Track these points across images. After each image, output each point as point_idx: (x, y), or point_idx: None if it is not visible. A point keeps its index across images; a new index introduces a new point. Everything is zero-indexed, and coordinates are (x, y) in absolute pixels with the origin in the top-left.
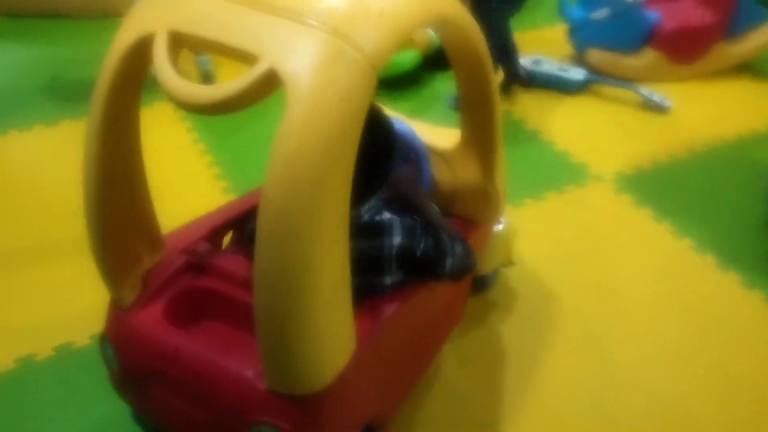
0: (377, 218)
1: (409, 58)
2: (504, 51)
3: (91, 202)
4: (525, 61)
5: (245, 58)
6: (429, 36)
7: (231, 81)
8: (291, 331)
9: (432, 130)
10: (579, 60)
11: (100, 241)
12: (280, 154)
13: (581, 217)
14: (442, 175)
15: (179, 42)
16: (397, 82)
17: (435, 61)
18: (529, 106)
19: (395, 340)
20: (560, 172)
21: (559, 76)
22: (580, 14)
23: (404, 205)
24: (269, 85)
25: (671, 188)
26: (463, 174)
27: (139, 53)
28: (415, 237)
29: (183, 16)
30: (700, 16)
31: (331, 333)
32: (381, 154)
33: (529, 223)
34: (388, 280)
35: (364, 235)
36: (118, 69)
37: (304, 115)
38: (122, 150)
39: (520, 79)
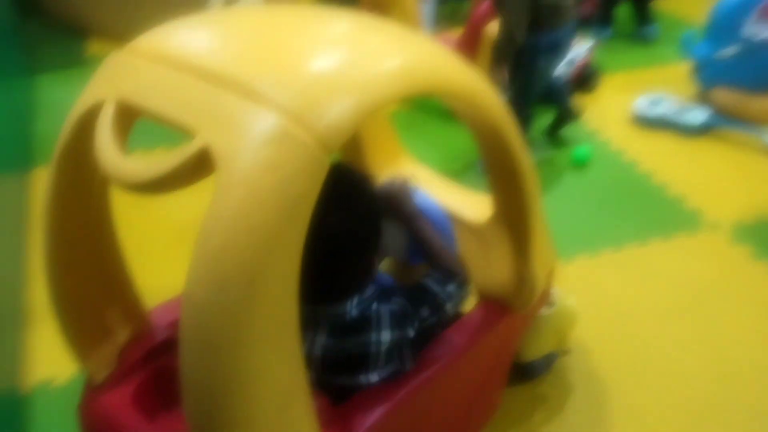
0: (365, 312)
1: None
2: (555, 91)
3: (50, 270)
4: (643, 100)
5: (187, 133)
6: None
7: (163, 158)
8: None
9: (464, 198)
10: (704, 98)
11: (61, 308)
12: (203, 248)
13: (688, 267)
14: (472, 252)
15: (127, 113)
16: None
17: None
18: (643, 147)
19: None
20: (671, 218)
21: (677, 118)
22: (707, 51)
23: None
24: (203, 165)
25: None
26: (497, 252)
27: (93, 121)
28: (406, 322)
29: (133, 86)
30: None
31: None
32: (362, 240)
33: (626, 270)
34: (375, 377)
35: (350, 333)
36: (72, 135)
37: (234, 202)
38: (84, 217)
39: (572, 115)
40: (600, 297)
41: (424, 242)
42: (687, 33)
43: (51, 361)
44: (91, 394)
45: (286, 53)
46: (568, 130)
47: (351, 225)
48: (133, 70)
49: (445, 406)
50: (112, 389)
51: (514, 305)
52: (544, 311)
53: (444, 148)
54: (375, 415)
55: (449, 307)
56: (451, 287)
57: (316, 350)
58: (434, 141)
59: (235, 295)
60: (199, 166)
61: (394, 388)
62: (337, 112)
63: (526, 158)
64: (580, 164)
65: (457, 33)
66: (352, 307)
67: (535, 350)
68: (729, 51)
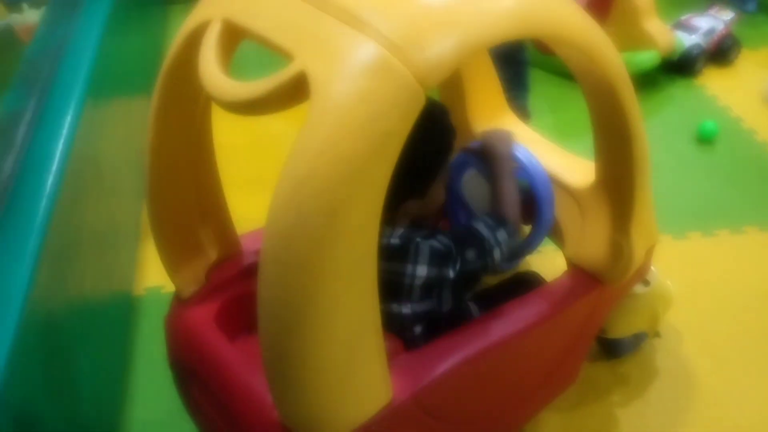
0: (407, 244)
1: (646, 58)
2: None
3: (149, 185)
4: None
5: (287, 56)
6: (673, 38)
7: (261, 80)
8: (295, 373)
9: (567, 161)
10: None
11: (158, 224)
12: (289, 174)
13: None
14: (570, 217)
15: (232, 32)
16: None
17: (678, 66)
18: None
19: (455, 396)
20: None
21: None
22: None
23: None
24: (300, 89)
25: None
26: (594, 220)
27: (200, 39)
28: (447, 263)
29: (240, 6)
30: None
31: (348, 379)
32: (424, 160)
33: (742, 254)
34: (408, 309)
35: (388, 258)
36: (179, 53)
37: (324, 130)
38: (186, 136)
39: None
40: (708, 279)
41: (498, 188)
42: None
43: (162, 271)
44: (178, 307)
45: None
46: (699, 104)
47: (417, 144)
48: None
49: (520, 369)
50: (197, 306)
51: (605, 278)
52: (639, 289)
53: (559, 113)
54: (446, 365)
55: (497, 253)
56: (501, 233)
57: None
58: (550, 104)
59: (316, 223)
60: (296, 90)
61: (471, 342)
62: (439, 47)
63: (640, 123)
64: (706, 140)
65: None
66: (394, 235)
67: (623, 328)
68: None
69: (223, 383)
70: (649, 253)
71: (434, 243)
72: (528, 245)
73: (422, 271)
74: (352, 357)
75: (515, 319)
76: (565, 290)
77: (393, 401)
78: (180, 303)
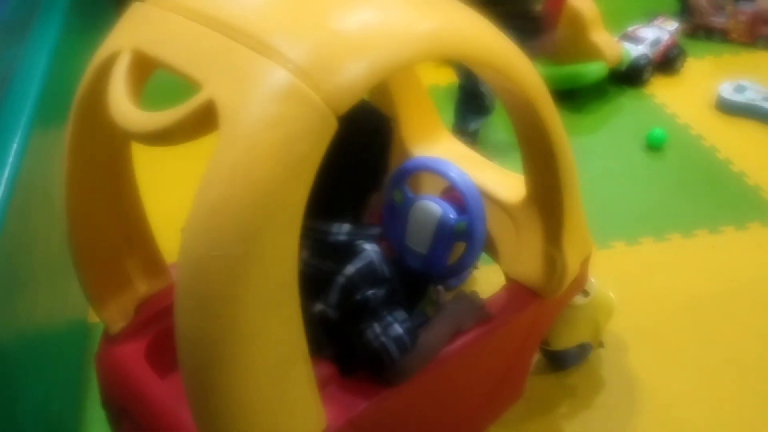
0: (354, 242)
1: (594, 69)
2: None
3: (69, 216)
4: (728, 86)
5: (196, 85)
6: (621, 49)
7: (169, 110)
8: (220, 407)
9: (501, 176)
10: None
11: (80, 258)
12: (202, 201)
13: (760, 259)
14: (504, 232)
15: (142, 62)
16: (580, 94)
17: (626, 76)
18: (724, 133)
19: (394, 419)
20: (746, 207)
21: (762, 106)
22: None
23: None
24: (209, 118)
25: None
26: (528, 234)
27: (110, 70)
28: (369, 281)
29: (149, 36)
30: None
31: (277, 410)
32: (364, 173)
33: (694, 257)
34: (318, 308)
35: (328, 255)
36: (91, 84)
37: (235, 157)
38: (105, 168)
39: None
40: (661, 284)
41: (434, 328)
42: None
43: None
44: (107, 344)
45: (307, 8)
46: (648, 112)
47: (360, 149)
48: (152, 19)
49: (461, 388)
50: (127, 342)
51: (542, 291)
52: (579, 300)
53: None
54: (382, 389)
55: (375, 327)
56: (397, 330)
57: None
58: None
59: (231, 251)
60: (205, 118)
61: None
62: (349, 71)
63: (562, 136)
64: (656, 147)
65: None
66: (340, 231)
67: (566, 340)
68: None
69: (153, 421)
70: (584, 264)
71: (376, 261)
72: (462, 263)
73: (350, 270)
74: (279, 387)
75: (454, 339)
76: (503, 305)
77: (328, 428)
78: (109, 339)
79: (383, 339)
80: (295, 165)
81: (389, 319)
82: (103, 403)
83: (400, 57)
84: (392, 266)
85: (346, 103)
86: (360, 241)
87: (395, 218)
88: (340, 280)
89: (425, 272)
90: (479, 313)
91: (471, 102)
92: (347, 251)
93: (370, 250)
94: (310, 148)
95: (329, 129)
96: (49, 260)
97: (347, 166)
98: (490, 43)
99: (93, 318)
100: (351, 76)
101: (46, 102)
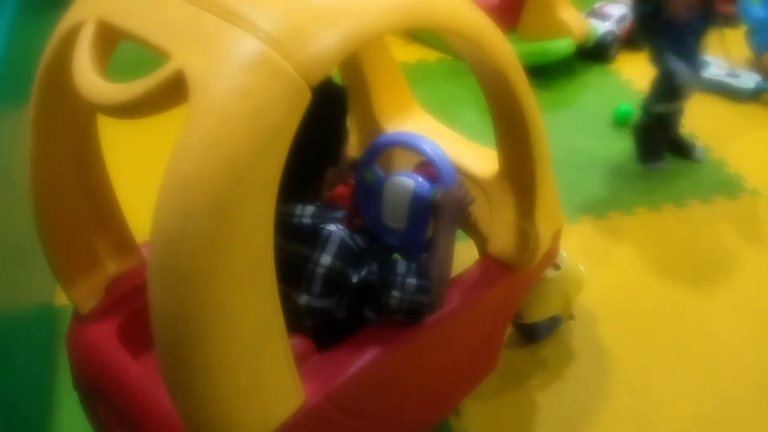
0: (319, 225)
1: (561, 46)
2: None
3: (34, 197)
4: None
5: (164, 56)
6: (587, 26)
7: (137, 81)
8: (197, 383)
9: (474, 151)
10: (757, 64)
11: (48, 237)
12: (173, 175)
13: (724, 232)
14: (478, 207)
15: (108, 33)
16: (548, 70)
17: (593, 52)
18: (689, 109)
19: (371, 393)
20: (711, 181)
21: (726, 82)
22: (763, 14)
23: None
24: (178, 89)
25: None
26: (501, 209)
27: (74, 41)
28: (353, 261)
29: (115, 6)
30: None
31: (254, 385)
32: (319, 147)
33: (661, 231)
34: (304, 299)
35: (295, 239)
36: (54, 57)
37: (206, 129)
38: (70, 143)
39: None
40: (629, 258)
41: (438, 244)
42: None
43: None
44: (78, 325)
45: None
46: (614, 88)
47: (314, 122)
48: None
49: (437, 361)
50: (98, 322)
51: (515, 264)
52: (550, 273)
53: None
54: (359, 363)
55: (394, 296)
56: (411, 283)
57: None
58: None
59: (204, 225)
60: (175, 90)
61: (384, 339)
62: (322, 41)
63: (534, 110)
64: (623, 122)
65: None
66: (304, 213)
67: (538, 312)
68: None
69: (128, 400)
70: (556, 237)
71: (347, 238)
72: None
73: (326, 260)
74: (256, 362)
75: None
76: (477, 279)
77: (306, 403)
78: (80, 320)
79: (407, 297)
80: (269, 137)
81: (399, 279)
82: (74, 384)
83: (373, 26)
84: (363, 234)
85: (319, 74)
86: (324, 225)
87: (369, 198)
88: (320, 270)
89: (404, 248)
90: (465, 199)
91: (660, 82)
92: (313, 235)
93: (335, 230)
94: (283, 119)
95: (303, 100)
96: (12, 242)
97: (303, 141)
98: (462, 13)
99: (60, 301)
100: (324, 46)
101: (3, 83)
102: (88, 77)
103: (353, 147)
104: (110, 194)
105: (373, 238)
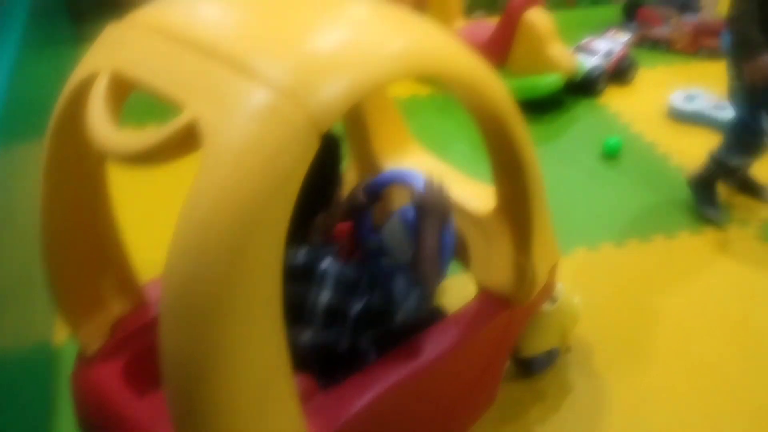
0: (313, 263)
1: (550, 80)
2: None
3: (44, 237)
4: (679, 94)
5: (178, 106)
6: (575, 61)
7: (152, 131)
8: (205, 423)
9: (471, 188)
10: None
11: (55, 280)
12: (187, 221)
13: (714, 263)
14: (476, 242)
15: (121, 83)
16: (538, 104)
17: (581, 86)
18: (676, 141)
19: (375, 430)
20: (697, 214)
21: (713, 114)
22: None
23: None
24: (192, 138)
25: None
26: (498, 244)
27: (88, 92)
28: (351, 292)
29: (128, 57)
30: None
31: (261, 425)
32: (311, 193)
33: (652, 262)
34: (308, 335)
35: (293, 280)
36: (67, 106)
37: (219, 177)
38: (80, 189)
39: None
40: (623, 289)
41: (424, 242)
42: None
43: None
44: (83, 365)
45: (284, 29)
46: (603, 121)
47: (309, 169)
48: (130, 41)
49: (437, 396)
50: (103, 362)
51: (513, 299)
52: (547, 307)
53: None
54: (362, 402)
55: (401, 313)
56: (414, 295)
57: None
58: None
59: (217, 270)
60: (188, 139)
61: (385, 375)
62: (330, 90)
63: (529, 149)
64: (611, 155)
65: (494, 21)
66: (299, 255)
67: (535, 346)
68: None
69: None
70: (552, 271)
71: (344, 269)
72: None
73: (326, 296)
74: (262, 402)
75: (428, 349)
76: (475, 314)
77: None
78: (85, 360)
79: (412, 312)
80: (279, 183)
81: (399, 298)
82: (79, 423)
83: (378, 76)
84: (358, 263)
85: (328, 121)
86: (318, 262)
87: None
88: (320, 306)
89: None
90: (440, 192)
91: (744, 136)
92: (309, 273)
93: (330, 266)
94: (293, 166)
95: (311, 147)
96: (13, 282)
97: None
98: (461, 60)
99: (58, 340)
100: (332, 95)
101: (7, 120)
102: (104, 128)
103: (352, 184)
104: (117, 236)
105: (367, 264)
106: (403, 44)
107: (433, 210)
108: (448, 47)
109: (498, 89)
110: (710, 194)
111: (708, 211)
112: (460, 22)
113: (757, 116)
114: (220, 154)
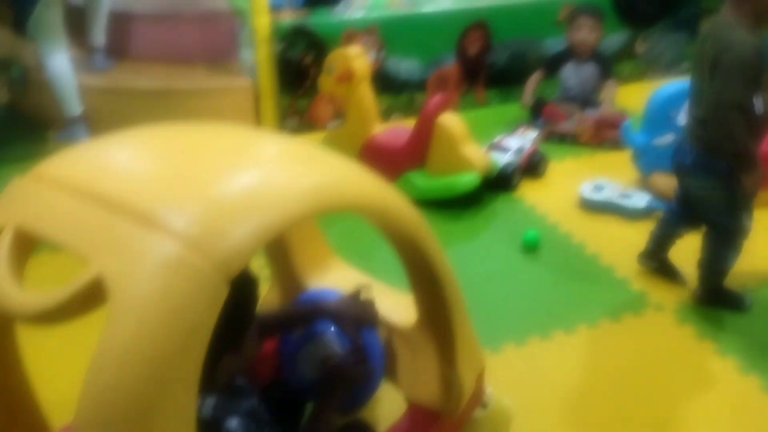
0: (220, 418)
1: (467, 179)
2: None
3: None
4: (587, 185)
5: (83, 261)
6: (489, 159)
7: (56, 289)
8: None
9: (396, 300)
10: (644, 184)
11: None
12: (92, 384)
13: (637, 348)
14: (400, 356)
15: (25, 239)
16: (457, 202)
17: (497, 182)
18: (590, 230)
19: None
20: (618, 300)
21: (620, 202)
22: (644, 140)
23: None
24: (97, 293)
25: (737, 320)
26: (424, 356)
27: None
28: None
29: (31, 213)
30: None
31: None
32: (221, 335)
33: (577, 353)
34: None
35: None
36: None
37: (125, 334)
38: None
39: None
40: (551, 383)
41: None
42: (626, 123)
43: None
44: None
45: (191, 176)
46: (520, 215)
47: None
48: (34, 196)
49: None
50: None
51: (443, 410)
52: (478, 413)
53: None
54: None
55: None
56: None
57: None
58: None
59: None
60: (94, 295)
61: None
62: (237, 235)
63: (445, 266)
64: (531, 248)
65: (410, 124)
66: (206, 406)
67: None
68: (665, 139)
69: None
70: (479, 378)
71: (250, 424)
72: (363, 392)
73: None
74: None
75: None
76: (407, 430)
77: None
78: None
79: None
80: (187, 335)
81: None
82: None
83: (286, 215)
84: (266, 413)
85: (236, 267)
86: (226, 417)
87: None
88: None
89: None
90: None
91: (737, 240)
92: (214, 429)
93: (236, 427)
94: (200, 316)
95: (220, 295)
96: None
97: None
98: (370, 191)
99: None
100: (239, 240)
101: None
102: (7, 288)
103: (273, 304)
104: (28, 393)
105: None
106: (312, 181)
107: (341, 388)
108: (357, 180)
109: (408, 212)
110: (727, 295)
111: (740, 306)
112: (378, 127)
113: (740, 217)
114: (125, 309)
